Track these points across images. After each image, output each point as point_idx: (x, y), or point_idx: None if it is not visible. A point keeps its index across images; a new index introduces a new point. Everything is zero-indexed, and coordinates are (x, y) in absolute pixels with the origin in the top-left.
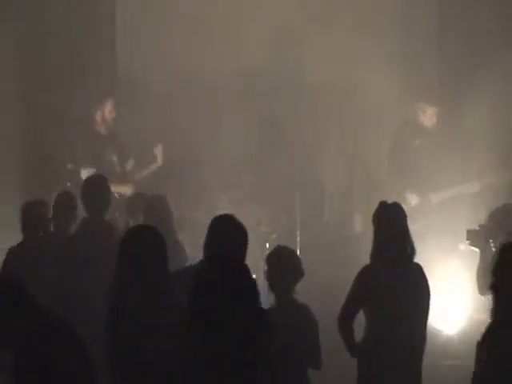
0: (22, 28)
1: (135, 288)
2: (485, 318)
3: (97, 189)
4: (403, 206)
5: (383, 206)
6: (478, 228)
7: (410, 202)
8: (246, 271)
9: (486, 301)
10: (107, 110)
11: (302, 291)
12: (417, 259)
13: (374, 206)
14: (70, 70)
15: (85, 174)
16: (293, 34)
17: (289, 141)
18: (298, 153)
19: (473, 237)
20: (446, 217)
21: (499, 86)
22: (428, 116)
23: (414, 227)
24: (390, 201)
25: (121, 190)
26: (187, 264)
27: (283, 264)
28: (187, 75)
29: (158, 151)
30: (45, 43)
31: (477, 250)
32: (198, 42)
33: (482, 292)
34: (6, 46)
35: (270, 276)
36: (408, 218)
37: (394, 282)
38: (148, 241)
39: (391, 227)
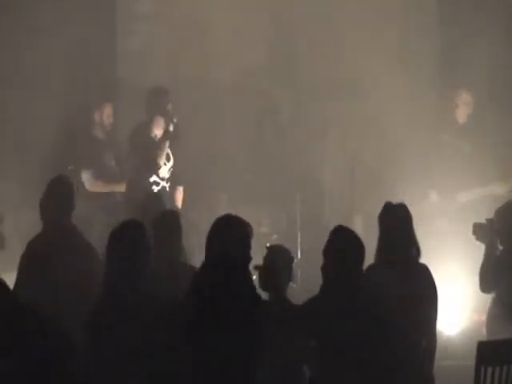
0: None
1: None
2: (485, 318)
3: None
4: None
5: (388, 206)
6: (484, 222)
7: (432, 200)
8: (245, 274)
9: (487, 301)
10: (105, 114)
11: (303, 291)
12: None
13: (374, 206)
14: (70, 70)
15: (85, 175)
16: (293, 34)
17: (289, 140)
18: (298, 152)
19: (479, 231)
20: (466, 217)
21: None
22: (467, 105)
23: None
24: (394, 201)
25: (121, 190)
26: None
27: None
28: (186, 75)
29: None
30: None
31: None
32: (197, 42)
33: (483, 289)
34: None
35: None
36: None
37: (397, 281)
38: (133, 237)
39: (395, 228)
